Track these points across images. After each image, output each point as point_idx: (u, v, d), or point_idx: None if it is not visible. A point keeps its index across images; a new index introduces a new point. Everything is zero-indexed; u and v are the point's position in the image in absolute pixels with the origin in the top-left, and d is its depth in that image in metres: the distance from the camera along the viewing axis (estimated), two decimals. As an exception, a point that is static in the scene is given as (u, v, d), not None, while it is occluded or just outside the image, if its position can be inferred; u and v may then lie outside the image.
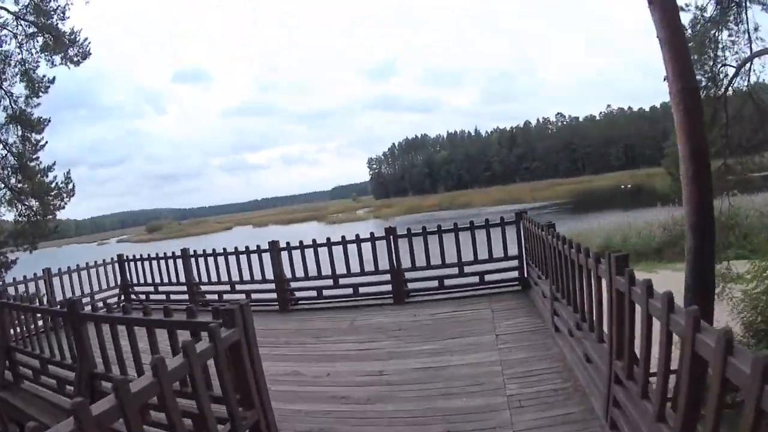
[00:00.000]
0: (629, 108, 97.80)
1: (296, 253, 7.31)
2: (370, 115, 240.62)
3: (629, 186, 61.50)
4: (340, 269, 7.17)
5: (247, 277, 7.62)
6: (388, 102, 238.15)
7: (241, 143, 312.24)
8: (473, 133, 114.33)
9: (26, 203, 10.88)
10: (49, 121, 11.01)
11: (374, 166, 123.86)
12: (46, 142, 10.99)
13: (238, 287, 7.71)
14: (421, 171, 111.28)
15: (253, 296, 7.37)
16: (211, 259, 7.85)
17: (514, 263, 6.69)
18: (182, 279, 8.19)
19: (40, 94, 10.84)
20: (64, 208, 11.13)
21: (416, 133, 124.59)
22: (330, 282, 7.17)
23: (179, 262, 8.22)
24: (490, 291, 6.65)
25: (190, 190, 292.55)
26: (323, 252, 7.14)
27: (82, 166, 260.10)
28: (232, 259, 7.74)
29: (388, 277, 7.01)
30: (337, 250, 7.12)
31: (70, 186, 11.23)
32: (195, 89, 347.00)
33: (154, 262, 8.50)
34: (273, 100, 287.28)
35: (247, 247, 7.60)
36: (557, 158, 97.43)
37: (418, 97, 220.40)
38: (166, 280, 8.39)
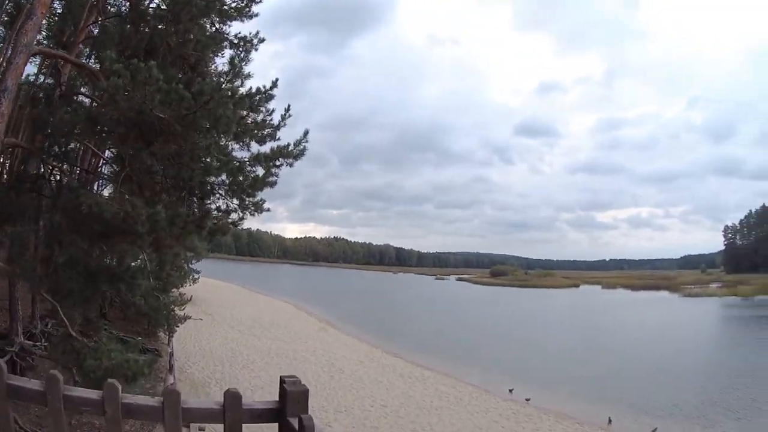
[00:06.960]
0: None
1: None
2: (713, 180, 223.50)
3: None
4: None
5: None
6: (729, 166, 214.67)
7: (589, 201, 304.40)
8: None
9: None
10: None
11: (729, 235, 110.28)
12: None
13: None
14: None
15: None
16: None
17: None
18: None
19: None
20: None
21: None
22: None
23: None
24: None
25: (538, 241, 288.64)
26: None
27: (428, 204, 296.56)
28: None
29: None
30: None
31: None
32: (538, 143, 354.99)
33: None
34: (619, 159, 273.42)
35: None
36: None
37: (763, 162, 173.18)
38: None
